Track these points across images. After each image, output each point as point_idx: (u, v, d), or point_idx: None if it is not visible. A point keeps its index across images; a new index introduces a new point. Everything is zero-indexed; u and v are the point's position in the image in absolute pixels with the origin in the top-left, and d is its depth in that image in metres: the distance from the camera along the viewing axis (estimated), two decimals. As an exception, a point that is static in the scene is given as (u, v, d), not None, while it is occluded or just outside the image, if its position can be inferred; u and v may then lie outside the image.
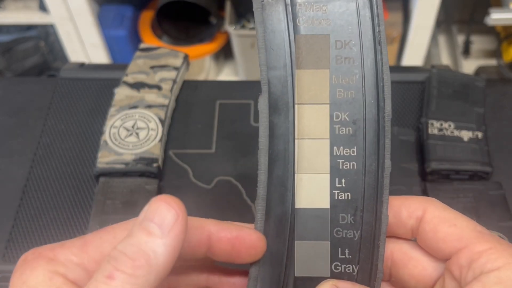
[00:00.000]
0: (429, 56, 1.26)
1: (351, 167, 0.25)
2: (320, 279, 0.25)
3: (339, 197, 0.25)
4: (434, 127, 0.48)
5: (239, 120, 0.53)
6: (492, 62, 1.19)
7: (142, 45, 0.56)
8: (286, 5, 0.25)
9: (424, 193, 0.47)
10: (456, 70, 0.81)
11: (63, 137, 0.51)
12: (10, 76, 1.15)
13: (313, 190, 0.25)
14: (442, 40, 1.32)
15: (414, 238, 0.26)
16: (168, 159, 0.50)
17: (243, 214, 0.46)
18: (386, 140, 0.25)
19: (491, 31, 1.21)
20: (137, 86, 0.52)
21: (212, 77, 1.24)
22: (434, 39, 1.26)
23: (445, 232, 0.25)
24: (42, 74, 1.20)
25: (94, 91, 0.55)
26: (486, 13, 0.94)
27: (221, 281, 0.27)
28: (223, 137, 0.51)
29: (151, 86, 0.52)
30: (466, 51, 1.23)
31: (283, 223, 0.25)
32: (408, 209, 0.26)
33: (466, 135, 0.48)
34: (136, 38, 1.19)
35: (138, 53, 0.55)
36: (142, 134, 0.49)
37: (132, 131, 0.49)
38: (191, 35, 1.17)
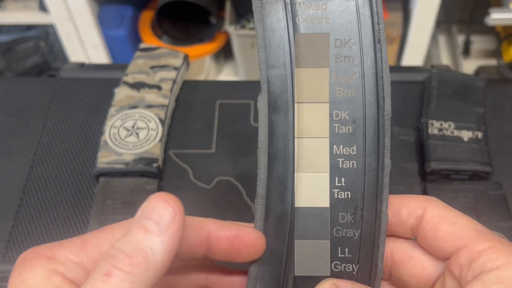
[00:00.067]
0: (429, 56, 1.26)
1: (351, 166, 0.25)
2: (320, 278, 0.25)
3: (339, 196, 0.25)
4: (434, 127, 0.48)
5: (239, 120, 0.53)
6: (492, 62, 1.19)
7: (142, 45, 0.56)
8: (285, 3, 0.25)
9: (424, 193, 0.46)
10: (456, 70, 0.81)
11: (63, 137, 0.51)
12: (10, 76, 1.15)
13: (312, 189, 0.25)
14: (442, 40, 1.32)
15: (414, 237, 0.26)
16: (168, 159, 0.50)
17: (243, 214, 0.46)
18: (386, 138, 0.25)
19: (491, 31, 1.21)
20: (137, 86, 0.52)
21: (212, 77, 1.25)
22: (434, 39, 1.26)
23: (445, 231, 0.24)
24: (42, 74, 1.20)
25: (94, 91, 0.55)
26: (486, 13, 0.94)
27: (220, 281, 0.27)
28: (223, 137, 0.51)
29: (151, 86, 0.52)
30: (466, 51, 1.24)
31: (283, 222, 0.25)
32: (408, 208, 0.26)
33: (466, 135, 0.48)
34: (136, 38, 1.19)
35: (138, 53, 0.55)
36: (142, 134, 0.48)
37: (132, 131, 0.49)
38: (191, 35, 1.17)
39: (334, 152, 0.25)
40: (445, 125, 0.48)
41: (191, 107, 0.54)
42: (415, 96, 0.54)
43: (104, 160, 0.47)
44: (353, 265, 0.25)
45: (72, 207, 0.47)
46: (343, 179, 0.25)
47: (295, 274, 0.26)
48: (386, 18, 1.11)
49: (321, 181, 0.25)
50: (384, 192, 0.25)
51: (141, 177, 0.47)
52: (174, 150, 0.50)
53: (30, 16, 1.12)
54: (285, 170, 0.25)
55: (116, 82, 0.53)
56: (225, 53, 1.27)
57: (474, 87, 0.52)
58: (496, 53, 1.14)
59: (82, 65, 0.58)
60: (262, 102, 0.25)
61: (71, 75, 0.57)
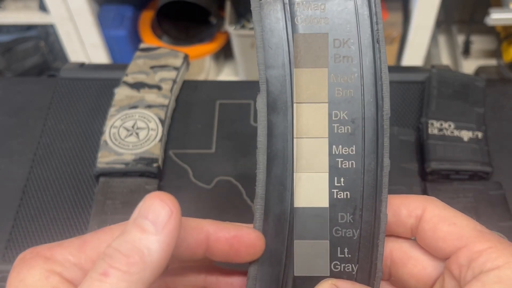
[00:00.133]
0: (429, 56, 1.26)
1: (350, 166, 0.25)
2: (319, 278, 0.25)
3: (338, 196, 0.25)
4: (434, 127, 0.48)
5: (239, 120, 0.53)
6: (492, 62, 1.19)
7: (142, 45, 0.56)
8: (284, 4, 0.25)
9: (424, 193, 0.46)
10: (456, 70, 0.81)
11: (63, 137, 0.51)
12: (10, 76, 1.15)
13: (312, 189, 0.25)
14: (442, 40, 1.32)
15: (413, 237, 0.26)
16: (168, 159, 0.50)
17: (243, 214, 0.46)
18: (385, 138, 0.25)
19: (491, 31, 1.21)
20: (137, 86, 0.52)
21: (212, 77, 1.25)
22: (434, 39, 1.26)
23: (445, 231, 0.24)
24: (42, 74, 1.20)
25: (94, 91, 0.55)
26: (486, 13, 0.94)
27: (219, 281, 0.27)
28: (223, 137, 0.51)
29: (151, 86, 0.52)
30: (466, 51, 1.23)
31: (282, 222, 0.25)
32: (407, 208, 0.26)
33: (466, 135, 0.48)
34: (136, 38, 1.19)
35: (138, 53, 0.55)
36: (142, 134, 0.49)
37: (132, 131, 0.49)
38: (191, 35, 1.17)
39: (333, 152, 0.25)
40: (445, 125, 0.48)
41: (191, 107, 0.54)
42: (415, 96, 0.54)
43: (104, 160, 0.47)
44: (353, 265, 0.25)
45: (72, 207, 0.47)
46: (342, 179, 0.25)
47: (295, 274, 0.26)
48: (386, 18, 1.11)
49: (320, 181, 0.25)
50: (383, 192, 0.25)
51: (141, 177, 0.47)
52: (174, 150, 0.50)
53: (30, 16, 1.12)
54: (284, 170, 0.25)
55: (116, 82, 0.53)
56: (225, 53, 1.27)
57: (474, 87, 0.52)
58: (496, 53, 1.14)
59: (82, 65, 0.58)
60: (261, 103, 0.25)
61: (71, 75, 0.57)
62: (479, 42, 1.25)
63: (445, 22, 1.31)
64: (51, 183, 0.48)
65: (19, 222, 0.45)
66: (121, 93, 0.51)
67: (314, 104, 0.25)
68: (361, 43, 0.25)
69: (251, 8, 0.25)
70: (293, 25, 0.25)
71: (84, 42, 1.13)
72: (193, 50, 1.15)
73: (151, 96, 0.51)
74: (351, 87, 0.25)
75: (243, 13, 1.16)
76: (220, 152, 0.50)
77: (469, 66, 1.22)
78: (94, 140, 0.51)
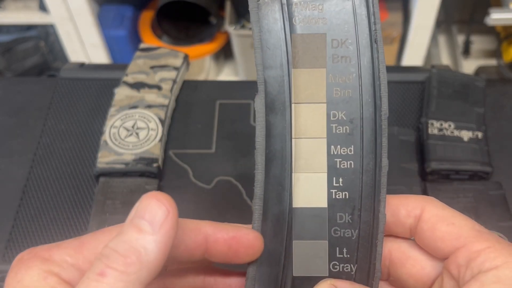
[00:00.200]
0: (429, 56, 1.25)
1: (348, 166, 0.25)
2: (318, 279, 0.25)
3: (337, 196, 0.25)
4: (434, 127, 0.48)
5: (239, 120, 0.53)
6: (492, 62, 1.19)
7: (142, 45, 0.56)
8: (282, 4, 0.25)
9: (424, 193, 0.46)
10: (456, 70, 0.81)
11: (63, 137, 0.51)
12: (10, 76, 1.15)
13: (310, 189, 0.25)
14: (442, 40, 1.32)
15: (412, 237, 0.26)
16: (168, 159, 0.50)
17: (243, 214, 0.46)
18: (383, 138, 0.25)
19: (491, 31, 1.21)
20: (137, 86, 0.52)
21: (212, 77, 1.25)
22: (434, 39, 1.26)
23: (443, 231, 0.24)
24: (42, 74, 1.21)
25: (94, 91, 0.55)
26: (486, 13, 0.94)
27: (217, 282, 0.27)
28: (223, 137, 0.51)
29: (151, 86, 0.52)
30: (466, 51, 1.23)
31: (281, 223, 0.25)
32: (406, 208, 0.26)
33: (466, 135, 0.48)
34: (136, 38, 1.19)
35: (138, 53, 0.55)
36: (142, 134, 0.49)
37: (132, 131, 0.49)
38: (191, 35, 1.17)
39: (332, 153, 0.25)
40: (445, 125, 0.48)
41: (191, 107, 0.54)
42: (415, 96, 0.54)
43: (104, 160, 0.47)
44: (351, 265, 0.25)
45: (72, 207, 0.47)
46: (340, 179, 0.25)
47: (293, 275, 0.26)
48: (386, 18, 1.11)
49: (319, 181, 0.25)
50: (382, 192, 0.25)
51: (141, 177, 0.47)
52: (174, 150, 0.50)
53: (30, 16, 1.12)
54: (283, 171, 0.25)
55: (116, 82, 0.53)
56: (225, 53, 1.27)
57: (474, 87, 0.52)
58: (496, 53, 1.14)
59: (82, 65, 0.58)
60: (259, 103, 0.25)
61: (71, 75, 0.57)
62: (479, 42, 1.25)
63: (445, 22, 1.31)
64: (51, 183, 0.48)
65: (19, 222, 0.45)
66: (121, 93, 0.51)
67: (313, 105, 0.25)
68: (359, 43, 0.25)
69: (249, 9, 0.25)
70: (291, 26, 0.25)
71: (84, 42, 1.13)
72: (193, 50, 1.15)
73: (151, 96, 0.51)
74: (349, 87, 0.25)
75: (243, 13, 1.16)
76: (220, 152, 0.50)
77: (469, 66, 1.22)
78: (94, 140, 0.51)
